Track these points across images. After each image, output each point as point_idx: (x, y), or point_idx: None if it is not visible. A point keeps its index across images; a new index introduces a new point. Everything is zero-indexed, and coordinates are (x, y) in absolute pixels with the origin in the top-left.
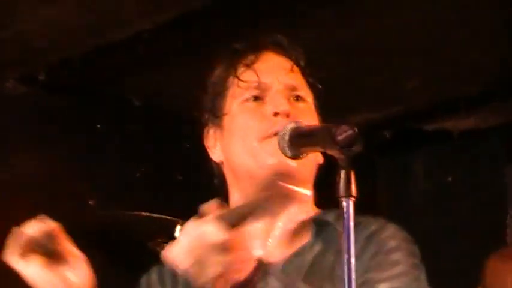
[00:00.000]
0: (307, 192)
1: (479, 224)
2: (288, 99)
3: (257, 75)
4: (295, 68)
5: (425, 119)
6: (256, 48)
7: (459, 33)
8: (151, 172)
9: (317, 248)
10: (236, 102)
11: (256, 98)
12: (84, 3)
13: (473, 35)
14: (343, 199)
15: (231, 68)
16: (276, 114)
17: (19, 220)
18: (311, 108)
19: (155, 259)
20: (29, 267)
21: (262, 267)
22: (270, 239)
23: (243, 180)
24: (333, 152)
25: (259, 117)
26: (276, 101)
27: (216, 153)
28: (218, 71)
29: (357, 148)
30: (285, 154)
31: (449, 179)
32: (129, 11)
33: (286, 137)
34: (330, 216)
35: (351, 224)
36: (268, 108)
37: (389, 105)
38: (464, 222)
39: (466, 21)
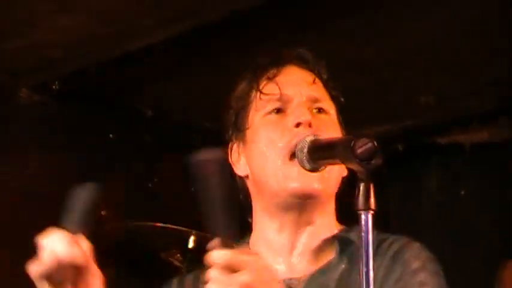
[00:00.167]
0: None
1: (491, 237)
2: (311, 111)
3: (279, 88)
4: (318, 81)
5: (438, 133)
6: (279, 61)
7: (472, 49)
8: (163, 183)
9: (343, 266)
10: (258, 115)
11: (279, 111)
12: (100, 14)
13: (486, 50)
14: (362, 212)
15: (254, 82)
16: (298, 124)
17: (29, 228)
18: (334, 121)
19: (169, 270)
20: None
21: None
22: (293, 255)
23: (266, 197)
24: (352, 165)
25: (281, 130)
26: (298, 112)
27: (240, 168)
28: (241, 86)
29: (376, 161)
30: (303, 167)
31: (462, 192)
32: (143, 22)
33: (305, 150)
34: (354, 236)
35: (370, 237)
36: (290, 119)
37: (402, 118)
38: (477, 236)
39: (480, 38)
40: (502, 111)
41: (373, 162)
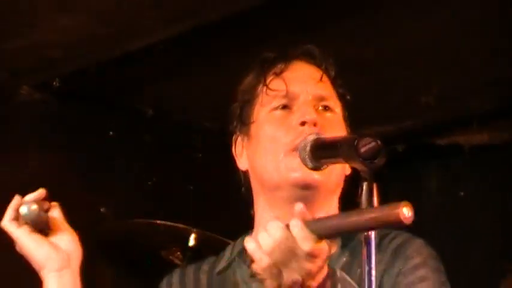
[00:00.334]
0: None
1: (491, 238)
2: (316, 109)
3: (285, 84)
4: (325, 78)
5: (438, 133)
6: (287, 57)
7: (473, 49)
8: (162, 182)
9: (344, 259)
10: (264, 110)
11: (284, 107)
12: (100, 14)
13: (486, 50)
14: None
15: (261, 76)
16: (303, 123)
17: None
18: (339, 119)
19: (169, 268)
20: (20, 232)
21: (332, 275)
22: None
23: (268, 190)
24: (356, 164)
25: (286, 127)
26: (303, 110)
27: (242, 162)
28: (248, 79)
29: (380, 161)
30: (306, 165)
31: (461, 193)
32: (143, 22)
33: (308, 148)
34: None
35: (373, 235)
36: (295, 117)
37: (402, 119)
38: (476, 237)
39: (480, 38)
40: (503, 112)
41: (376, 161)
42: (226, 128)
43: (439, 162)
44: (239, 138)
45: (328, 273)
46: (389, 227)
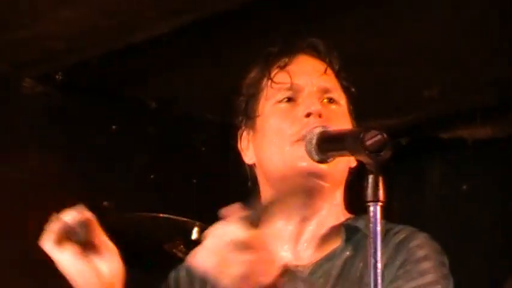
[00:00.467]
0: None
1: (493, 231)
2: (321, 101)
3: (290, 77)
4: (329, 71)
5: (441, 127)
6: (291, 50)
7: (477, 44)
8: (165, 175)
9: (347, 253)
10: (269, 103)
11: (289, 100)
12: (102, 6)
13: (490, 45)
14: (370, 204)
15: (265, 70)
16: (308, 114)
17: (31, 219)
18: (344, 111)
19: (172, 261)
20: (62, 255)
21: (287, 273)
22: (300, 243)
23: (274, 183)
24: (361, 157)
25: (291, 119)
26: (308, 101)
27: (248, 155)
28: (252, 73)
29: (386, 153)
30: (312, 158)
31: (464, 186)
32: (147, 14)
33: (314, 141)
34: (361, 223)
35: (378, 229)
36: (301, 109)
37: (406, 112)
38: (479, 229)
39: (484, 32)
40: (506, 106)
41: (382, 154)
42: (229, 120)
43: (443, 155)
44: (245, 133)
45: (283, 271)
46: None
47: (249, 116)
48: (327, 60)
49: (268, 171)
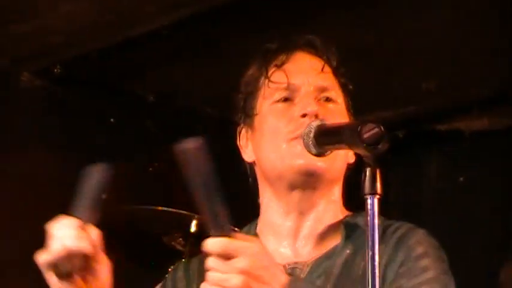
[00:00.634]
0: None
1: (490, 224)
2: (318, 101)
3: (286, 76)
4: (327, 69)
5: (438, 119)
6: (288, 48)
7: (474, 37)
8: (164, 168)
9: (347, 251)
10: (266, 103)
11: (286, 99)
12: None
13: (487, 37)
14: (368, 196)
15: (263, 68)
16: (304, 115)
17: (30, 213)
18: (341, 110)
19: (171, 254)
20: (51, 277)
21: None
22: (298, 239)
23: (272, 180)
24: (359, 150)
25: (288, 119)
26: (305, 102)
27: (247, 153)
28: (251, 71)
29: (383, 146)
30: (309, 151)
31: (461, 179)
32: (146, 8)
33: (311, 135)
34: (360, 220)
35: (375, 221)
36: (297, 109)
37: (403, 105)
38: (476, 222)
39: (481, 24)
40: (503, 98)
41: (379, 147)
42: (228, 114)
43: (440, 147)
44: (243, 130)
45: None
46: None
47: (247, 114)
48: (325, 57)
49: (266, 169)
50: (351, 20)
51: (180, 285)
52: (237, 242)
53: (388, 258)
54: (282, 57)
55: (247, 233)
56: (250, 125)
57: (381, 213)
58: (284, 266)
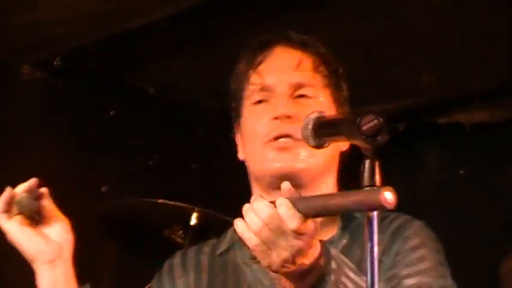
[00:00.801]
0: None
1: (490, 216)
2: (294, 99)
3: (261, 78)
4: (305, 64)
5: (438, 112)
6: (266, 46)
7: (474, 28)
8: (164, 160)
9: (344, 241)
10: (247, 104)
11: (262, 101)
12: None
13: (487, 30)
14: (367, 188)
15: (245, 69)
16: (275, 118)
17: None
18: (321, 105)
19: (171, 246)
20: (10, 224)
21: (326, 253)
22: None
23: (259, 180)
24: (358, 142)
25: (262, 122)
26: (276, 104)
27: (240, 151)
28: (236, 72)
29: (382, 138)
30: (308, 143)
31: (461, 171)
32: (144, 0)
33: (310, 126)
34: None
35: (375, 213)
36: (270, 112)
37: (403, 97)
38: (476, 214)
39: (482, 18)
40: (503, 90)
41: (378, 138)
42: (227, 106)
43: (440, 140)
44: (235, 129)
45: (321, 251)
46: (371, 209)
47: (235, 115)
48: (304, 51)
49: (251, 169)
50: (351, 13)
51: (177, 272)
52: (305, 223)
53: (384, 247)
54: (260, 58)
55: None
56: (238, 126)
57: None
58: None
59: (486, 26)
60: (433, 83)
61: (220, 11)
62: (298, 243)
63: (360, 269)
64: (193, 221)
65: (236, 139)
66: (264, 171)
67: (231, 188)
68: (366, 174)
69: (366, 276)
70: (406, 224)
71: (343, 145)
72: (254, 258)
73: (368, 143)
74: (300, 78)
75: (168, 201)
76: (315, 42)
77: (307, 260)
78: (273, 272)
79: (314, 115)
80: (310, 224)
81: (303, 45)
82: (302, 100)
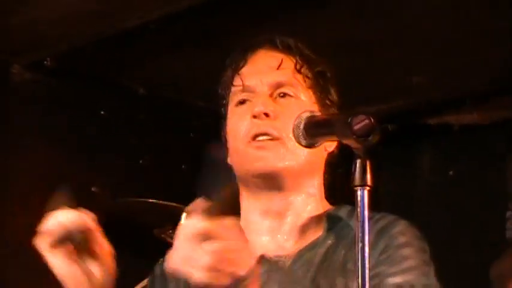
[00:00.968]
0: None
1: (479, 218)
2: (274, 98)
3: (242, 80)
4: (286, 64)
5: (428, 113)
6: (248, 51)
7: (464, 29)
8: (155, 161)
9: (329, 242)
10: (230, 106)
11: (243, 102)
12: None
13: (478, 30)
14: (358, 188)
15: (229, 73)
16: (254, 116)
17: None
18: (302, 104)
19: (162, 246)
20: (55, 258)
21: (266, 263)
22: (280, 235)
23: (243, 183)
24: (349, 142)
25: (244, 123)
26: (255, 103)
27: (228, 156)
28: (224, 75)
29: (373, 138)
30: (299, 143)
31: (451, 172)
32: (138, 0)
33: (301, 126)
34: (343, 212)
35: (366, 213)
36: (249, 111)
37: (394, 98)
38: (465, 216)
39: (471, 18)
40: (493, 92)
41: (370, 138)
42: (219, 107)
43: (430, 141)
44: (224, 134)
45: (258, 260)
46: None
47: (223, 119)
48: (286, 53)
49: (236, 172)
50: (343, 15)
51: (157, 285)
52: (214, 225)
53: (369, 246)
54: (242, 61)
55: None
56: (224, 129)
57: (372, 206)
58: (263, 256)
59: (477, 28)
60: (423, 84)
61: (212, 12)
62: (213, 246)
63: (345, 270)
64: (183, 220)
65: (225, 144)
66: (246, 171)
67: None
68: (357, 174)
69: (356, 276)
70: (391, 223)
71: (329, 145)
72: None
73: (359, 142)
74: (280, 77)
75: (158, 201)
76: (300, 44)
77: (239, 269)
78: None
79: (305, 114)
80: (220, 224)
81: (286, 48)
82: (282, 99)
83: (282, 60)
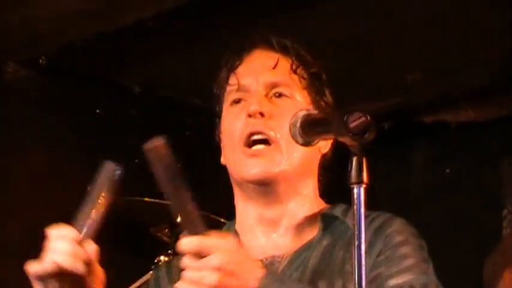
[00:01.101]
0: None
1: (476, 216)
2: (269, 98)
3: (237, 79)
4: (282, 64)
5: (425, 111)
6: (244, 50)
7: (460, 27)
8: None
9: (325, 242)
10: (225, 105)
11: (239, 101)
12: None
13: (474, 28)
14: (354, 186)
15: (225, 72)
16: (249, 115)
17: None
18: (297, 104)
19: (157, 245)
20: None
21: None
22: (274, 234)
23: (238, 185)
24: (345, 139)
25: (239, 122)
26: (249, 102)
27: (222, 156)
28: (219, 74)
29: (369, 135)
30: (296, 141)
31: (447, 170)
32: None
33: (298, 124)
34: (338, 211)
35: (362, 210)
36: (244, 110)
37: (389, 96)
38: (462, 214)
39: (468, 15)
40: (489, 90)
41: (366, 136)
42: (214, 105)
43: (426, 139)
44: (219, 134)
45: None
46: None
47: (218, 118)
48: (281, 53)
49: (230, 173)
50: (337, 11)
51: (163, 283)
52: (210, 240)
53: (366, 245)
54: (238, 61)
55: (228, 230)
56: (219, 129)
57: (368, 204)
58: (261, 261)
59: (472, 26)
60: (419, 82)
61: (207, 10)
62: (214, 261)
63: (343, 271)
64: (179, 219)
65: (219, 143)
66: (242, 177)
67: (218, 186)
68: (354, 172)
69: (353, 277)
70: (387, 222)
71: (323, 147)
72: None
73: (355, 140)
74: (275, 77)
75: (154, 200)
76: (296, 45)
77: (235, 281)
78: None
79: (302, 113)
80: (206, 239)
81: (282, 48)
82: (277, 99)
83: (278, 60)
